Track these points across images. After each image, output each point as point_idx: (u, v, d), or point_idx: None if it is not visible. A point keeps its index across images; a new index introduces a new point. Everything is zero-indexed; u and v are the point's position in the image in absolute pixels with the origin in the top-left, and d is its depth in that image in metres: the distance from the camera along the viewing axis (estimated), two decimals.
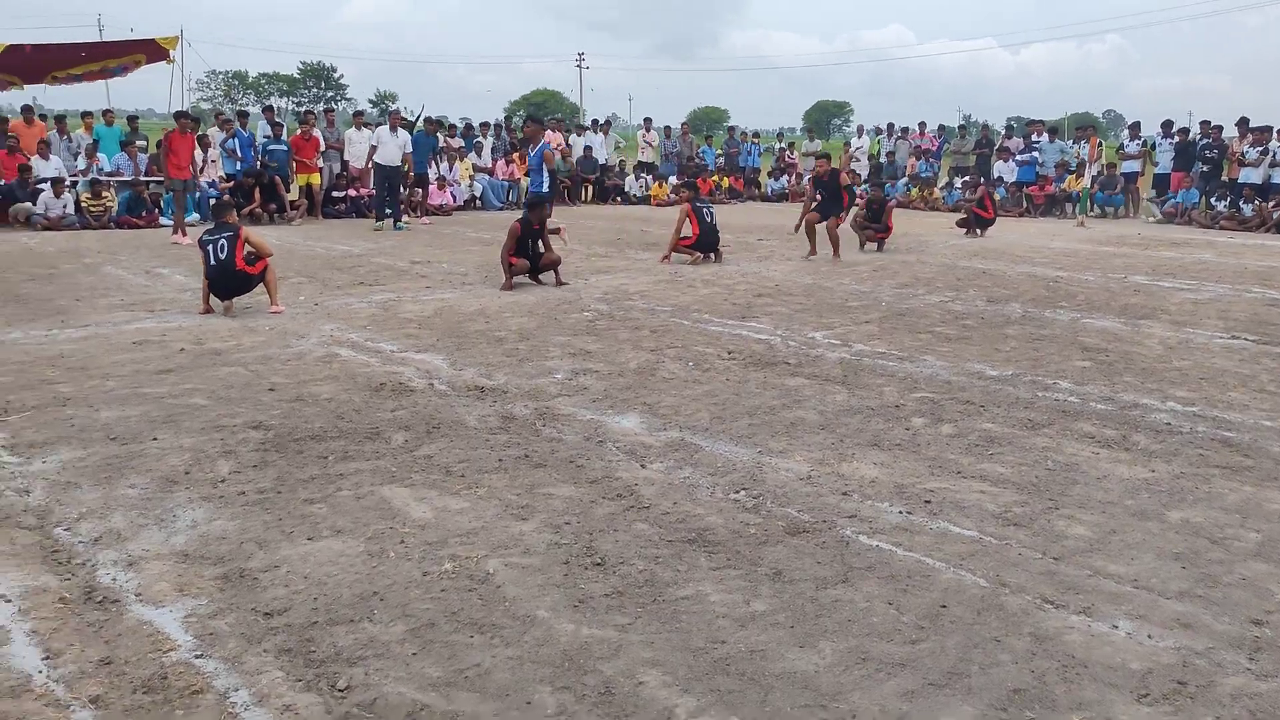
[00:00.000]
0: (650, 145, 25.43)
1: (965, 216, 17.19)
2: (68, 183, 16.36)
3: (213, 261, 8.57)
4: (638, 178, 24.29)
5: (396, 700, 2.77)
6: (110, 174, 17.30)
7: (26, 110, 18.30)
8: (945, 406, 5.91)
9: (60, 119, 18.25)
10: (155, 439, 5.11)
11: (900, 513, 4.24)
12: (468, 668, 2.95)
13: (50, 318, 8.45)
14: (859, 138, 26.72)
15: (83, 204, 16.22)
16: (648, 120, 26.32)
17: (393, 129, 16.64)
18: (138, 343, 7.44)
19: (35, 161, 16.48)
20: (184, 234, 14.10)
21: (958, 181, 22.86)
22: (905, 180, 23.81)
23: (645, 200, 23.63)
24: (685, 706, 2.77)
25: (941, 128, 25.81)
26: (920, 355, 7.32)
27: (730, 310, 9.17)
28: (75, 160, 17.43)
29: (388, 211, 16.44)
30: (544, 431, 5.34)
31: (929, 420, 5.62)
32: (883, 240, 14.41)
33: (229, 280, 8.65)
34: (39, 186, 16.11)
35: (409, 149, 16.75)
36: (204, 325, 8.17)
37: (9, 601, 3.36)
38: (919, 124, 25.60)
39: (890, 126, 26.21)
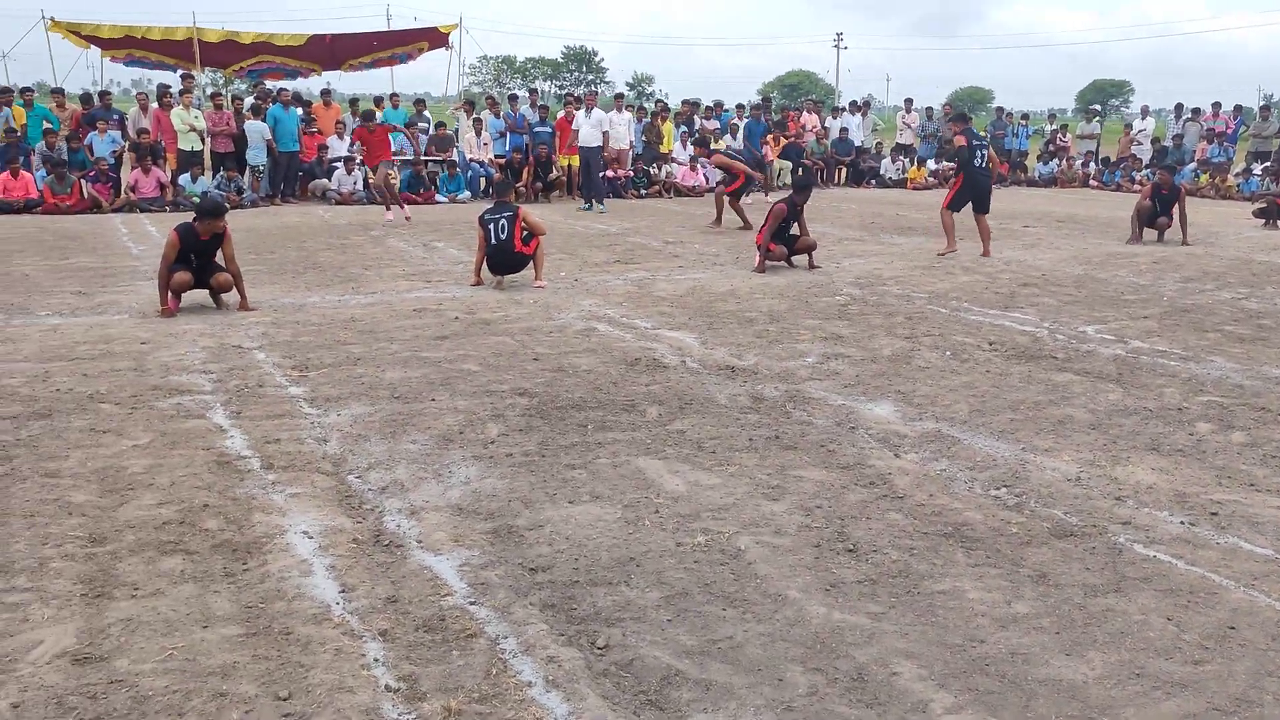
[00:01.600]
0: (909, 127, 24.65)
1: (1265, 206, 15.61)
2: (357, 161, 17.81)
3: (493, 240, 9.06)
4: (894, 160, 23.63)
5: (652, 663, 2.87)
6: (395, 153, 18.65)
7: (325, 94, 20.02)
8: (1236, 413, 5.42)
9: (353, 102, 19.84)
10: (433, 399, 5.51)
11: (1182, 523, 3.94)
12: (720, 639, 3.01)
13: (343, 284, 9.27)
14: (1141, 119, 24.78)
15: (370, 181, 17.60)
16: (908, 101, 25.52)
17: (588, 110, 17.12)
18: (417, 310, 8.03)
19: (331, 141, 18.04)
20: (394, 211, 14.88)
21: (1257, 168, 20.76)
22: (1194, 166, 21.87)
23: (901, 183, 22.96)
24: (941, 702, 2.71)
25: (1238, 108, 23.51)
26: (1207, 356, 6.74)
27: (992, 299, 8.79)
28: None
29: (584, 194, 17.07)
30: (794, 414, 5.33)
31: (1217, 426, 5.17)
32: (1163, 230, 13.24)
33: (506, 259, 9.13)
34: (334, 164, 17.63)
35: (606, 128, 17.17)
36: (475, 296, 8.70)
37: (311, 538, 3.74)
38: (1212, 105, 23.42)
39: (1179, 108, 24.12)
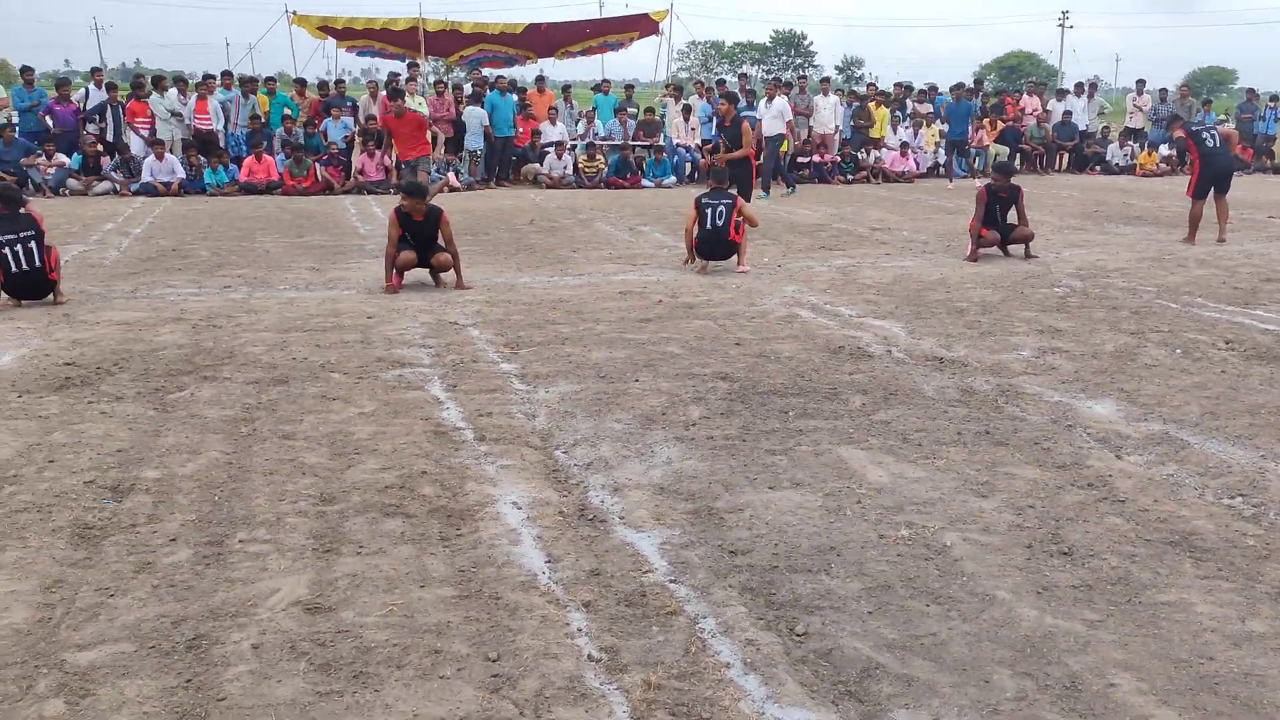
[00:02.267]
0: (1140, 110, 23.04)
1: None
2: (569, 145, 18.31)
3: (708, 226, 9.11)
4: (1122, 145, 22.16)
5: (852, 654, 2.83)
6: (604, 138, 19.07)
7: (539, 81, 20.64)
8: None
9: (566, 88, 20.38)
10: (637, 380, 5.61)
11: None
12: (923, 635, 2.93)
13: (552, 266, 9.56)
14: None
15: (579, 165, 18.07)
16: (1140, 82, 23.83)
17: (769, 98, 16.76)
18: (623, 293, 8.18)
19: (544, 127, 18.61)
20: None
21: None
22: None
23: (1129, 170, 21.53)
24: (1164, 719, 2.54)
25: None
26: None
27: (1230, 295, 8.12)
28: (575, 125, 19.40)
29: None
30: (1006, 409, 5.11)
31: None
32: None
33: (716, 246, 9.17)
34: (545, 149, 18.19)
35: (789, 117, 16.75)
36: (678, 280, 8.78)
37: (519, 509, 3.88)
38: None
39: None
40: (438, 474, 4.22)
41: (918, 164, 19.90)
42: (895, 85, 22.42)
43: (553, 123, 18.59)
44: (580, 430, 4.79)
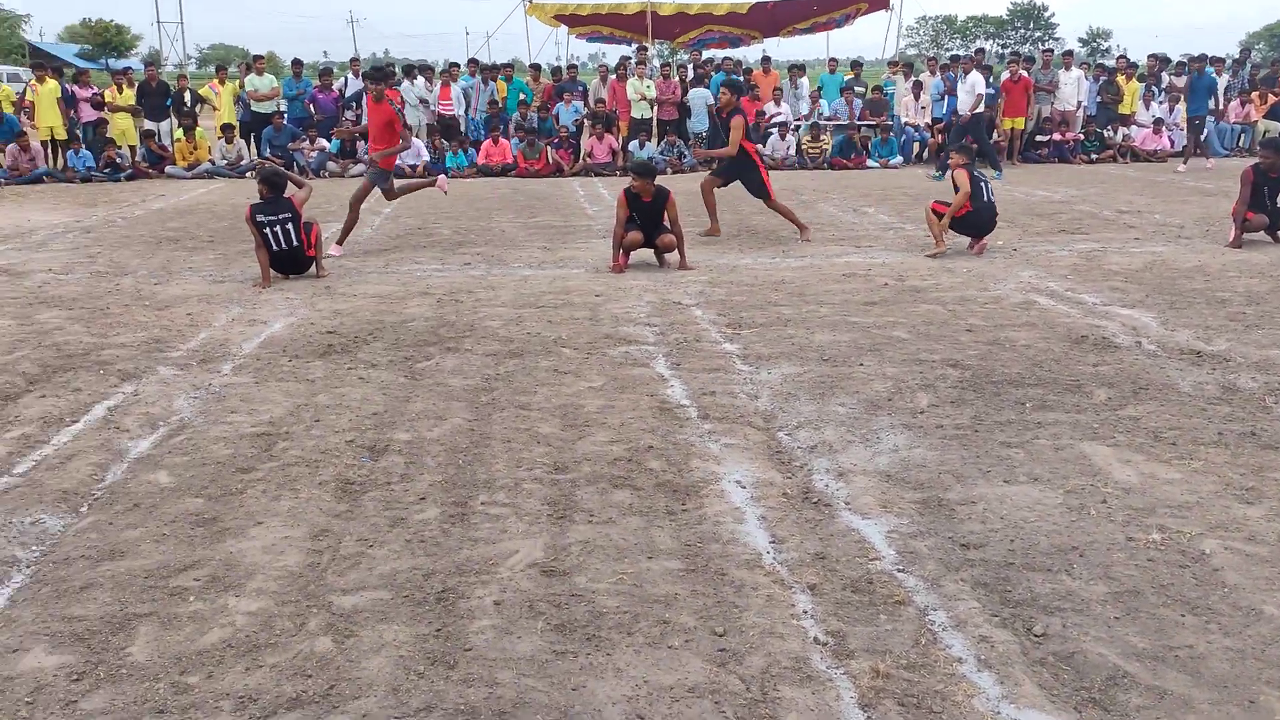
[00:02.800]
0: None
1: None
2: (791, 126, 18.12)
3: (985, 199, 8.85)
4: None
5: (1096, 660, 2.68)
6: (829, 118, 18.75)
7: (765, 61, 20.50)
8: None
9: (792, 68, 20.14)
10: (861, 364, 5.51)
11: None
12: (1178, 647, 2.74)
13: (774, 247, 9.52)
14: None
15: (803, 146, 17.84)
16: None
17: (964, 73, 15.75)
18: (846, 275, 8.04)
19: (769, 107, 18.48)
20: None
21: None
22: None
23: None
24: None
25: None
26: None
27: None
28: (800, 105, 19.17)
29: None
30: (1276, 409, 4.68)
31: None
32: None
33: (990, 222, 8.97)
34: (768, 130, 18.08)
35: (981, 90, 15.63)
36: (905, 263, 8.54)
37: (744, 488, 3.91)
38: None
39: None
40: (663, 449, 4.31)
41: (1172, 142, 18.44)
42: (1149, 57, 20.83)
43: (777, 103, 18.44)
44: (803, 413, 4.76)
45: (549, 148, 17.02)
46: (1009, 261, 8.54)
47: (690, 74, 19.08)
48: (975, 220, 8.90)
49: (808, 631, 2.87)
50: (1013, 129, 17.62)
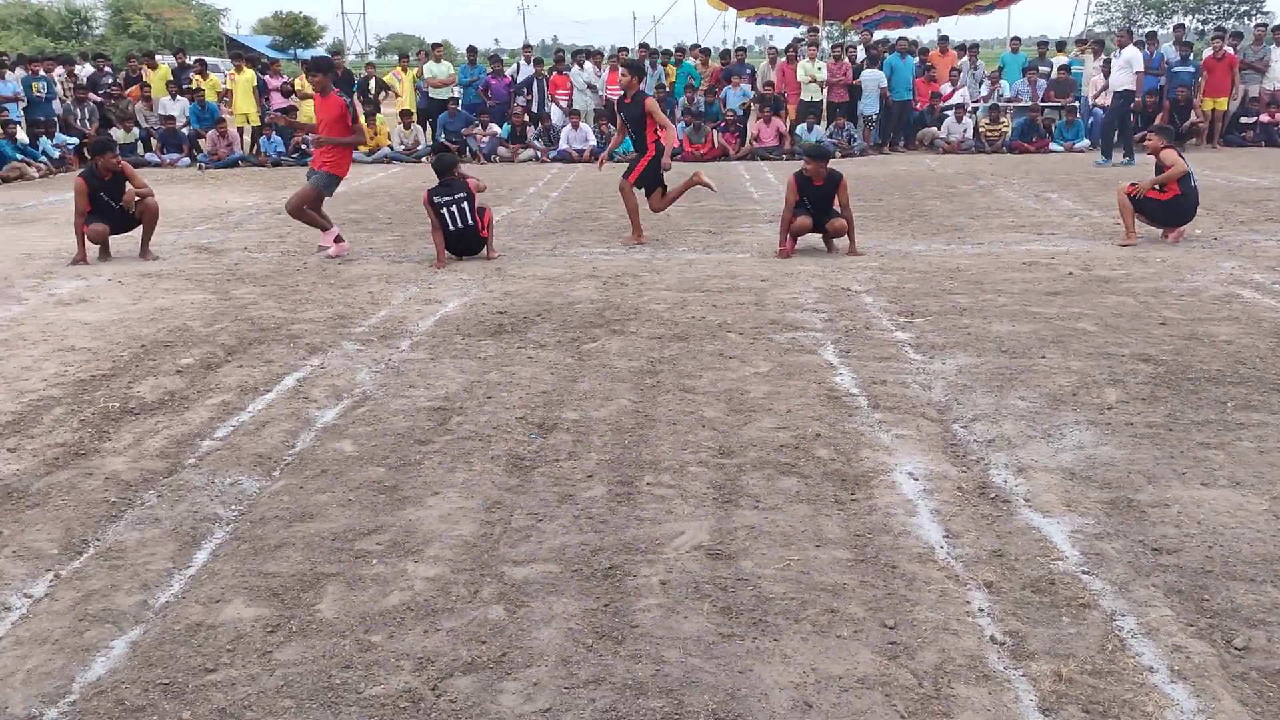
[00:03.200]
0: None
1: None
2: (969, 109, 17.47)
3: (1193, 183, 8.39)
4: None
5: None
6: (1009, 100, 17.99)
7: (943, 41, 19.85)
8: None
9: (972, 48, 19.41)
10: (1044, 357, 5.27)
11: None
12: None
13: (949, 234, 9.21)
14: None
15: (980, 129, 17.19)
16: None
17: (1119, 47, 14.49)
18: (1027, 263, 7.71)
19: (945, 88, 17.90)
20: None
21: None
22: None
23: None
24: None
25: None
26: None
27: None
28: (979, 87, 18.47)
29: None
30: None
31: None
32: None
33: (1191, 210, 8.45)
34: (944, 113, 17.50)
35: (1138, 68, 14.33)
36: (1091, 251, 8.12)
37: (915, 480, 3.80)
38: None
39: None
40: (832, 437, 4.23)
41: None
42: None
43: (954, 85, 17.82)
44: (980, 405, 4.59)
45: (715, 131, 16.97)
46: (1209, 252, 8.00)
47: (861, 55, 18.66)
48: (1179, 207, 8.34)
49: (984, 630, 2.76)
50: (1214, 110, 16.51)
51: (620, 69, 10.02)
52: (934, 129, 17.51)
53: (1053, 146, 16.70)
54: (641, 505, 3.59)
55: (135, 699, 2.52)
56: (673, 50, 19.37)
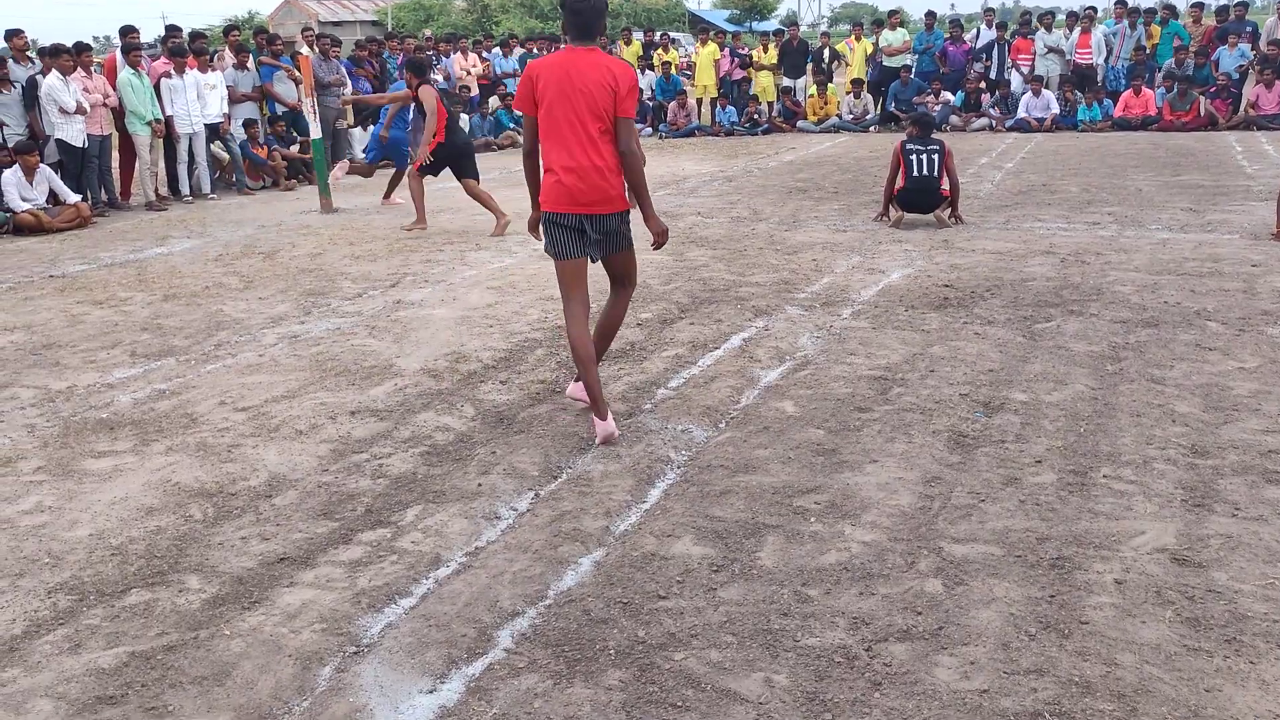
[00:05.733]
0: None
1: None
2: None
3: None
4: None
5: None
6: None
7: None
8: None
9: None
10: None
11: None
12: None
13: None
14: None
15: None
16: None
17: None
18: None
19: None
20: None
21: None
22: None
23: None
24: None
25: None
26: None
27: None
28: None
29: None
30: None
31: None
32: None
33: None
34: None
35: None
36: None
37: None
38: None
39: None
40: None
41: None
42: None
43: None
44: None
45: (1203, 97, 15.12)
46: None
47: None
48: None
49: None
50: None
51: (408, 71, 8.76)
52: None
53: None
54: (1097, 498, 3.36)
55: (599, 611, 2.82)
56: (1157, 7, 17.48)
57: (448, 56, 17.28)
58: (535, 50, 19.13)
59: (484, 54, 18.24)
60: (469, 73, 17.30)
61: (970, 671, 2.47)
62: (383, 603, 2.91)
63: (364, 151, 13.07)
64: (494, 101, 17.03)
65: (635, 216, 4.10)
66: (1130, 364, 4.69)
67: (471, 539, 3.28)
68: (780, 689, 2.44)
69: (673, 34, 25.10)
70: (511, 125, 16.85)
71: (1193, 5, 18.13)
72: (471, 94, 16.85)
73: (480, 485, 3.68)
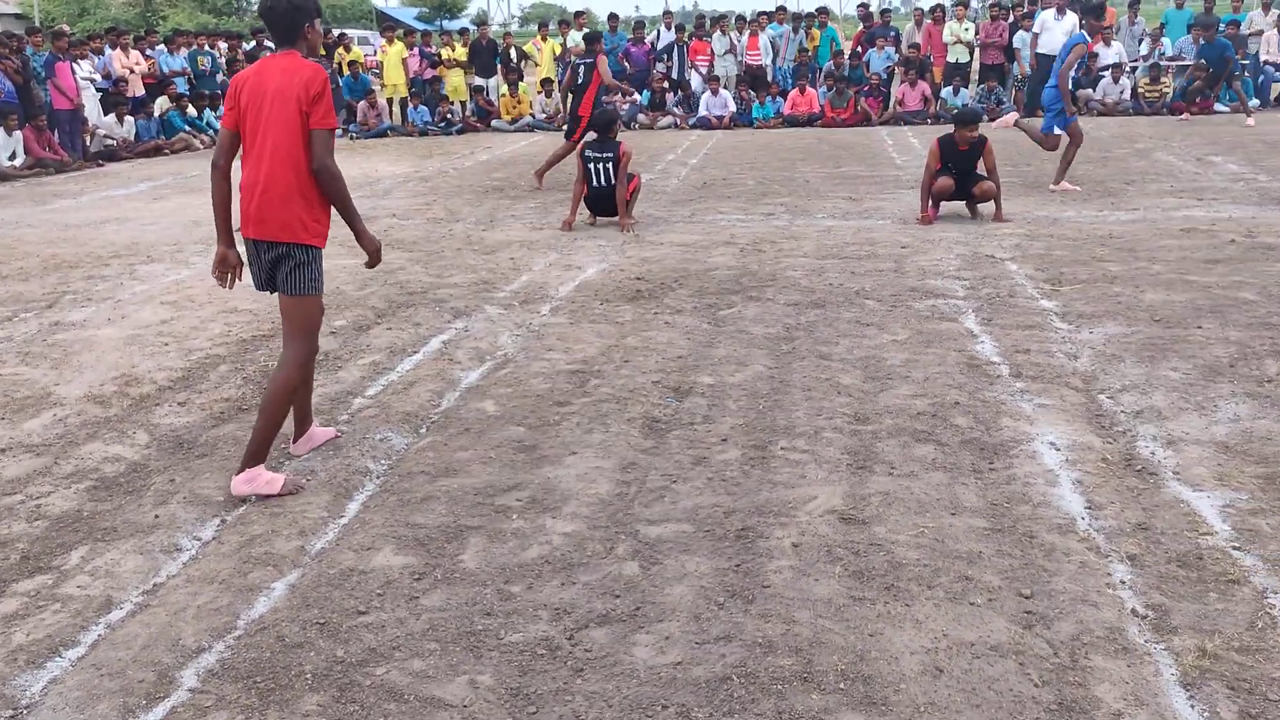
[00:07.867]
0: None
1: None
2: (1126, 69, 16.60)
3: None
4: None
5: None
6: (1172, 58, 17.00)
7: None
8: None
9: (1135, 3, 18.38)
10: (1199, 327, 5.03)
11: None
12: None
13: (1101, 199, 8.82)
14: None
15: (1139, 89, 16.32)
16: None
17: (1059, 11, 13.56)
18: (1185, 230, 7.33)
19: (1099, 49, 17.02)
20: None
21: None
22: None
23: None
24: None
25: None
26: None
27: None
28: (1138, 45, 17.51)
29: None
30: None
31: None
32: None
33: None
34: (1099, 73, 16.66)
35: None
36: (1257, 218, 7.67)
37: (1058, 450, 3.71)
38: None
39: None
40: (971, 406, 4.16)
41: None
42: None
43: (1107, 43, 16.93)
44: (1129, 375, 4.42)
45: (857, 96, 16.63)
46: None
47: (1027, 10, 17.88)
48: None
49: (1125, 602, 2.70)
50: None
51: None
52: (1089, 90, 16.69)
53: (1218, 107, 15.71)
54: (775, 469, 3.62)
55: (294, 636, 2.71)
56: (815, 13, 18.99)
57: (101, 54, 15.83)
58: (207, 47, 17.95)
59: (148, 50, 16.88)
60: (132, 71, 15.97)
61: (665, 646, 2.59)
62: (44, 657, 2.64)
63: None
64: (163, 102, 15.82)
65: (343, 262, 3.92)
66: (802, 343, 5.09)
67: (149, 576, 3.05)
68: (484, 689, 2.45)
69: (360, 32, 24.35)
70: (186, 127, 15.74)
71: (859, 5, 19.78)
72: (135, 94, 15.58)
73: (158, 517, 3.42)
